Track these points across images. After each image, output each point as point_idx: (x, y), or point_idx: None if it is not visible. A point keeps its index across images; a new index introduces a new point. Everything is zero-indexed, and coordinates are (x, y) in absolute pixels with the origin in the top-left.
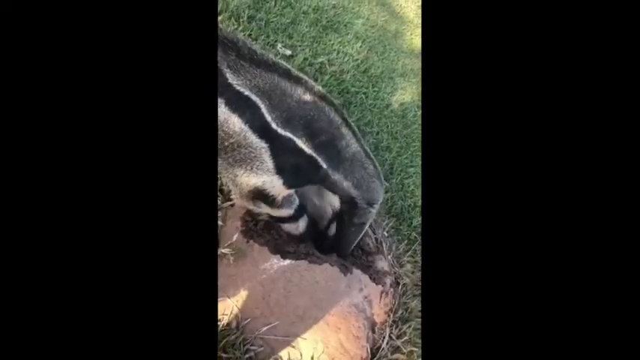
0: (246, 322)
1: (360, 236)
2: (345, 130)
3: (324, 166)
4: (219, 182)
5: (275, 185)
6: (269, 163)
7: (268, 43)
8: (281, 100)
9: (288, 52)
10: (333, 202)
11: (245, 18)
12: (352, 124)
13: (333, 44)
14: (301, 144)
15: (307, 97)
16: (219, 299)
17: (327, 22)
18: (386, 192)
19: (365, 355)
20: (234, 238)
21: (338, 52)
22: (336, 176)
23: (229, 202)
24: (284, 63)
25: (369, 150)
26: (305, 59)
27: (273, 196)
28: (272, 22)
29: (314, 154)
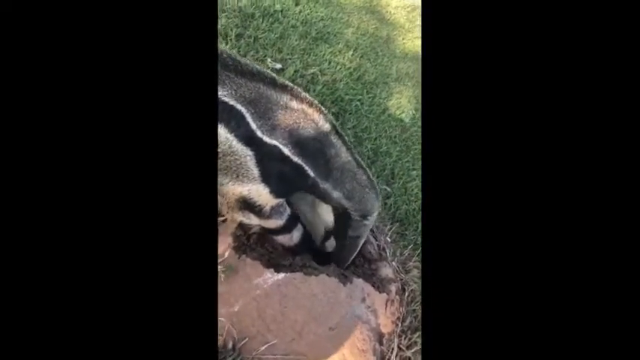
0: (243, 342)
1: (357, 250)
2: (334, 138)
3: (312, 174)
4: None
5: (261, 194)
6: (254, 171)
7: (257, 58)
8: (267, 108)
9: (278, 66)
10: (327, 218)
11: (233, 36)
12: (342, 133)
13: (324, 55)
14: (287, 151)
15: (294, 104)
16: None
17: (317, 33)
18: (388, 197)
19: None
20: (226, 254)
21: (329, 62)
22: (325, 185)
23: (220, 218)
24: (269, 72)
25: (361, 160)
26: (296, 71)
27: (260, 205)
28: (260, 38)
29: (300, 162)
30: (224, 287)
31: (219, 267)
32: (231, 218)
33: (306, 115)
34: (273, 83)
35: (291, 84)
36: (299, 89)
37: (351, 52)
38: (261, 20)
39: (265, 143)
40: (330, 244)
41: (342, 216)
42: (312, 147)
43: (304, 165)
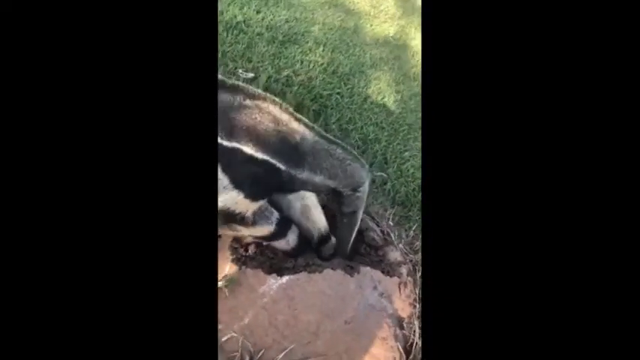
0: (260, 354)
1: (356, 229)
2: (295, 124)
3: (283, 167)
4: None
5: (237, 201)
6: (223, 180)
7: (228, 71)
8: (221, 112)
9: (251, 75)
10: (319, 223)
11: None
12: (302, 117)
13: (294, 56)
14: (250, 150)
15: (247, 102)
16: (225, 337)
17: (284, 36)
18: (385, 183)
19: (397, 356)
20: (227, 269)
21: (302, 62)
22: (303, 174)
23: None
24: (219, 75)
25: (330, 136)
26: (269, 77)
27: (240, 213)
28: (228, 51)
29: (266, 158)
30: (231, 302)
31: (221, 282)
32: (222, 233)
33: (260, 109)
34: (222, 86)
35: (241, 83)
36: (249, 86)
37: (321, 49)
38: (225, 34)
39: (226, 148)
40: (328, 248)
41: (332, 195)
42: (275, 139)
43: (271, 159)
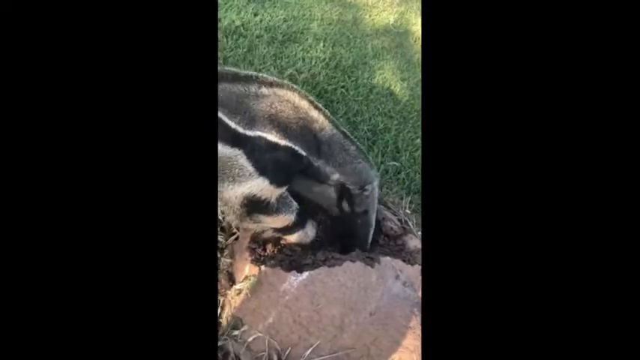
0: (287, 352)
1: (373, 225)
2: (314, 112)
3: (304, 153)
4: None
5: (262, 187)
6: (249, 168)
7: None
8: (238, 103)
9: None
10: (329, 194)
11: None
12: (322, 106)
13: (295, 54)
14: (273, 138)
15: (264, 90)
16: (251, 337)
17: (283, 36)
18: (399, 172)
19: None
20: (246, 269)
21: (303, 59)
22: (319, 162)
23: (233, 237)
24: (228, 69)
25: (346, 131)
26: None
27: (265, 199)
28: (229, 56)
29: (289, 144)
30: (253, 303)
31: (243, 284)
32: (243, 227)
33: (279, 97)
34: (236, 78)
35: (255, 73)
36: (264, 75)
37: (322, 44)
38: (225, 40)
39: (249, 137)
40: (345, 204)
41: (341, 191)
42: (296, 126)
43: (294, 146)
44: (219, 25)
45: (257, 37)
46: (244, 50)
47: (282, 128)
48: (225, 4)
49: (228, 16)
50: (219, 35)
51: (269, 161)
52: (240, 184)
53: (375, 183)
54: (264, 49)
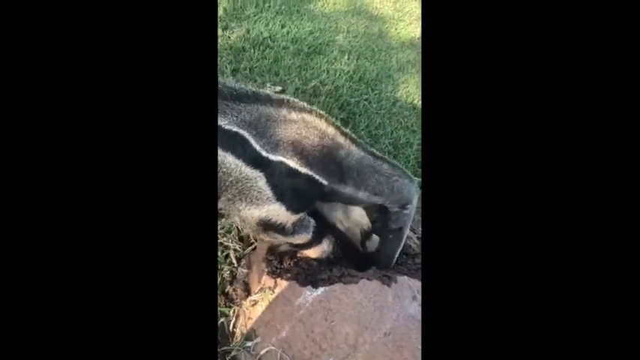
0: None
1: (402, 244)
2: (341, 139)
3: (325, 182)
4: (234, 226)
5: (279, 213)
6: (267, 192)
7: (256, 86)
8: (267, 126)
9: (279, 88)
10: (362, 221)
11: (229, 72)
12: (349, 132)
13: (320, 66)
14: (294, 165)
15: (293, 116)
16: (264, 350)
17: (309, 48)
18: (420, 187)
19: None
20: (262, 281)
21: (328, 72)
22: (347, 189)
23: (250, 248)
24: (263, 90)
25: (376, 152)
26: (297, 89)
27: (281, 224)
28: (256, 67)
29: (310, 172)
30: (267, 315)
31: (258, 296)
32: (260, 240)
33: (306, 123)
34: (269, 100)
35: (287, 97)
36: (296, 100)
37: (346, 57)
38: (252, 51)
39: (271, 161)
40: (372, 243)
41: (379, 212)
42: (320, 154)
43: (314, 174)
44: (247, 36)
45: (283, 48)
46: (270, 61)
47: (305, 155)
48: (255, 15)
49: (256, 28)
50: (247, 46)
51: (288, 187)
52: (257, 206)
53: (415, 200)
54: (290, 60)
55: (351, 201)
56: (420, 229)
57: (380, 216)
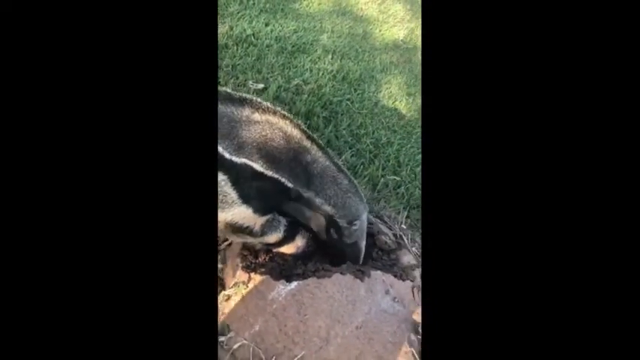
0: None
1: (363, 249)
2: (307, 143)
3: (290, 185)
4: None
5: (245, 216)
6: (232, 195)
7: (238, 84)
8: (229, 127)
9: (261, 86)
10: (320, 220)
11: None
12: (316, 137)
13: (303, 65)
14: (259, 167)
15: (257, 116)
16: (237, 344)
17: (293, 46)
18: (399, 186)
19: None
20: (237, 276)
21: (311, 71)
22: (308, 193)
23: (226, 243)
24: (222, 89)
25: (340, 164)
26: (279, 87)
27: (248, 227)
28: (238, 64)
29: (276, 175)
30: (240, 310)
31: (233, 290)
32: (233, 239)
33: (271, 125)
34: (229, 99)
35: (250, 96)
36: (259, 100)
37: (330, 56)
38: (235, 48)
39: (235, 164)
40: (333, 233)
41: (330, 222)
42: (286, 157)
43: (280, 177)
44: (230, 33)
45: (267, 46)
46: (253, 59)
47: (271, 158)
48: (238, 13)
49: (240, 25)
50: (230, 43)
51: (254, 190)
52: (223, 210)
53: (364, 216)
54: (273, 58)
55: (309, 205)
56: (397, 226)
57: (333, 227)
